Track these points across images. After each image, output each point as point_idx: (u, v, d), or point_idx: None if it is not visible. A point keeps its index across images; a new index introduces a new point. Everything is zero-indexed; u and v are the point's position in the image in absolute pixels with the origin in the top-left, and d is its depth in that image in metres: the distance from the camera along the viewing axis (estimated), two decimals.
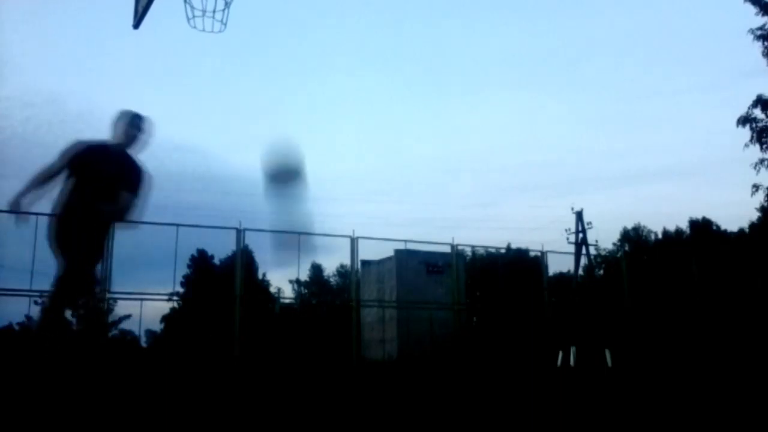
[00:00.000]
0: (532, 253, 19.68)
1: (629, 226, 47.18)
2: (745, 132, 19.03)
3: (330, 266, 43.20)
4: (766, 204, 21.08)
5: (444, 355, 13.54)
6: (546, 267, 15.69)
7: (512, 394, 5.85)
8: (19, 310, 16.38)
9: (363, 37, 72.20)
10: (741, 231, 36.72)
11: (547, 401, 5.01)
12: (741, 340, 15.62)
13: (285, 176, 3.73)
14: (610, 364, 10.99)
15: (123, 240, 11.39)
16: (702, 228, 41.93)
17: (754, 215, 33.22)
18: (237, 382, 8.95)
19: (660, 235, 45.01)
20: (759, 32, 18.75)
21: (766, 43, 18.82)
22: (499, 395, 5.91)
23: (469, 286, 18.39)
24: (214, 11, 4.48)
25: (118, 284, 11.35)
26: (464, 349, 14.17)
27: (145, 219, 11.77)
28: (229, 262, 14.88)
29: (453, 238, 15.09)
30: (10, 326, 15.40)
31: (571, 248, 27.20)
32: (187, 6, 4.50)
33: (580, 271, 26.58)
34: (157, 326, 24.19)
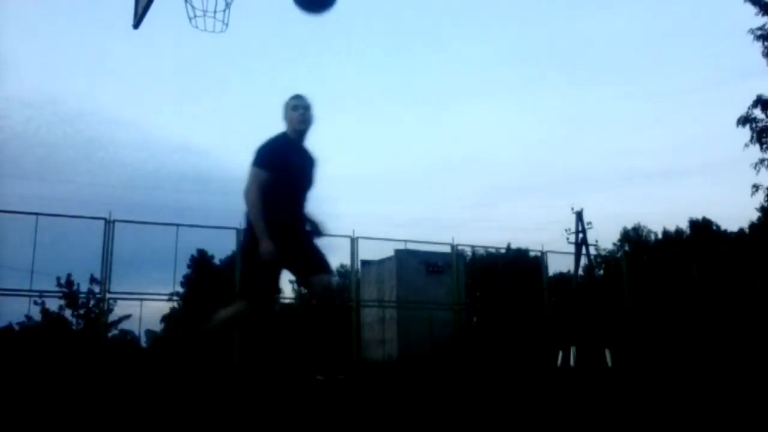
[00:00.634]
0: (532, 253, 19.69)
1: (629, 226, 47.19)
2: (745, 132, 19.06)
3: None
4: (766, 204, 21.10)
5: (444, 356, 13.55)
6: (546, 267, 15.71)
7: (512, 394, 5.86)
8: (19, 310, 16.38)
9: (362, 36, 72.22)
10: (741, 231, 36.73)
11: (547, 401, 5.01)
12: (741, 339, 15.63)
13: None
14: (610, 364, 11.00)
15: (123, 240, 11.44)
16: (702, 228, 41.93)
17: (754, 215, 33.26)
18: (237, 383, 8.96)
19: (660, 235, 45.03)
20: (759, 32, 18.77)
21: (766, 43, 18.84)
22: (499, 395, 5.91)
23: (469, 286, 18.39)
24: (215, 11, 4.48)
25: (118, 284, 11.36)
26: (464, 349, 14.17)
27: (145, 219, 11.79)
28: (229, 262, 14.87)
29: (453, 238, 15.11)
30: (10, 326, 15.38)
31: (571, 248, 27.15)
32: (188, 6, 4.51)
33: (580, 271, 26.57)
34: (157, 326, 24.19)
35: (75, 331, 17.81)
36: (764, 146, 18.88)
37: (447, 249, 15.24)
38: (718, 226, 42.20)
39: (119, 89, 68.33)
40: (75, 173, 56.50)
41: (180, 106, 73.73)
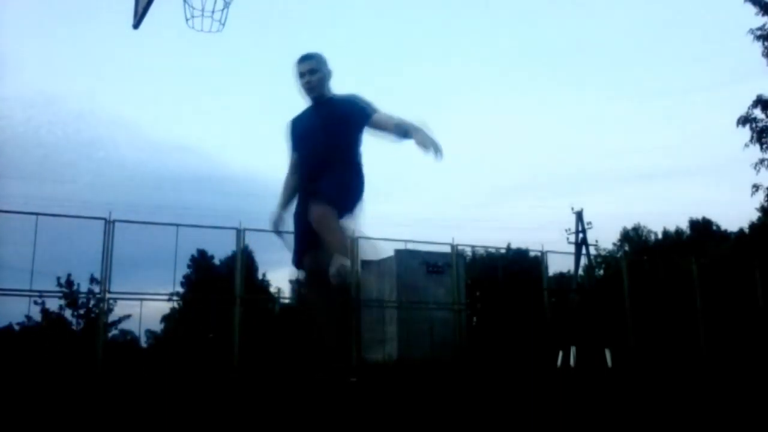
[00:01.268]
0: (532, 253, 19.70)
1: (629, 226, 47.19)
2: (745, 132, 19.07)
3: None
4: (766, 204, 21.10)
5: (444, 356, 13.54)
6: (546, 267, 15.68)
7: (512, 395, 5.85)
8: (19, 310, 16.39)
9: (362, 36, 72.22)
10: (741, 231, 36.72)
11: (547, 401, 5.01)
12: (741, 339, 15.61)
13: None
14: (610, 364, 10.99)
15: (123, 240, 11.44)
16: (702, 228, 41.94)
17: (754, 215, 33.27)
18: (236, 383, 8.95)
19: (660, 235, 45.05)
20: (759, 32, 18.78)
21: (766, 43, 18.84)
22: (499, 395, 5.91)
23: (469, 286, 18.37)
24: (212, 11, 4.48)
25: (118, 284, 11.35)
26: (464, 349, 14.16)
27: (145, 219, 11.78)
28: (229, 262, 14.86)
29: (453, 238, 15.10)
30: (10, 326, 15.38)
31: (571, 248, 27.19)
32: (186, 6, 4.51)
33: (580, 271, 26.57)
34: (157, 326, 24.20)
35: (75, 331, 17.82)
36: (764, 146, 18.88)
37: (447, 249, 15.23)
38: (718, 226, 42.23)
39: (119, 89, 68.41)
40: (75, 173, 56.58)
41: (180, 106, 73.72)
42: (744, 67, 60.77)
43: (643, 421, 3.89)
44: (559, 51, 70.73)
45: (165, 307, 21.85)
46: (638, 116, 71.94)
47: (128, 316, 17.90)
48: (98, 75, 71.08)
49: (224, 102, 71.80)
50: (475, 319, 19.30)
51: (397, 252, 15.85)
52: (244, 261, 12.94)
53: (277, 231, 3.81)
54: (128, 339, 20.43)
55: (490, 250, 19.53)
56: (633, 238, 46.58)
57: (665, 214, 71.42)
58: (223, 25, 4.52)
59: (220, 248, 18.17)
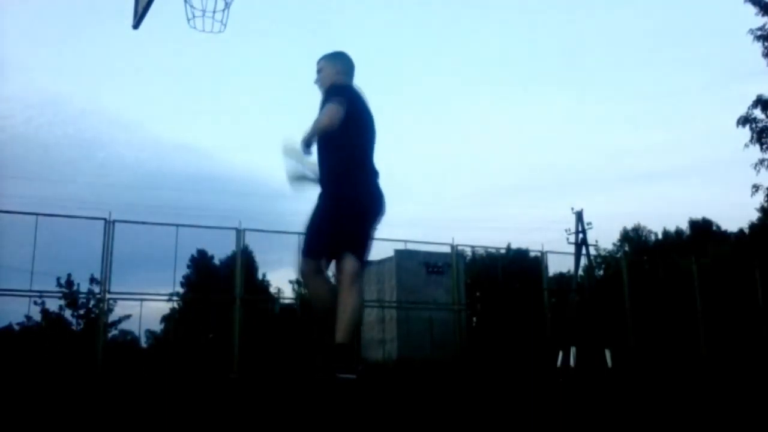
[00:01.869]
0: (532, 253, 19.71)
1: (629, 226, 47.20)
2: (745, 132, 19.08)
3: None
4: (766, 204, 21.12)
5: (444, 356, 13.54)
6: (546, 267, 15.69)
7: (512, 395, 5.85)
8: (19, 310, 16.37)
9: (362, 36, 72.16)
10: (741, 231, 36.75)
11: (547, 401, 5.01)
12: (741, 339, 15.61)
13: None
14: (610, 364, 10.99)
15: (123, 240, 11.45)
16: (702, 228, 41.97)
17: (754, 215, 33.30)
18: (236, 383, 8.95)
19: (660, 235, 45.08)
20: (759, 32, 18.79)
21: (766, 44, 18.85)
22: (499, 395, 5.91)
23: (469, 287, 18.38)
24: (213, 11, 4.48)
25: (118, 284, 11.37)
26: (464, 349, 14.16)
27: (145, 219, 11.78)
28: (229, 262, 14.87)
29: (453, 238, 15.10)
30: (10, 326, 15.38)
31: (571, 248, 27.15)
32: (187, 6, 4.51)
33: (580, 271, 26.56)
34: (157, 326, 24.19)
35: (75, 331, 17.81)
36: (764, 146, 18.89)
37: (447, 249, 15.24)
38: (718, 226, 42.28)
39: (120, 89, 68.44)
40: (75, 173, 56.57)
41: (180, 106, 73.77)
42: (744, 67, 60.87)
43: (643, 421, 3.89)
44: (559, 51, 70.79)
45: (165, 307, 21.82)
46: (638, 116, 72.03)
47: (128, 316, 17.87)
48: (99, 75, 71.18)
49: (224, 102, 71.86)
50: (475, 319, 19.31)
51: (397, 252, 15.87)
52: (244, 261, 12.95)
53: (293, 181, 3.66)
54: (128, 339, 20.42)
55: (490, 250, 19.52)
56: (633, 238, 46.59)
57: (665, 214, 71.48)
58: (225, 25, 4.54)
59: (220, 248, 18.18)
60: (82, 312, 18.80)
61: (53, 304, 16.11)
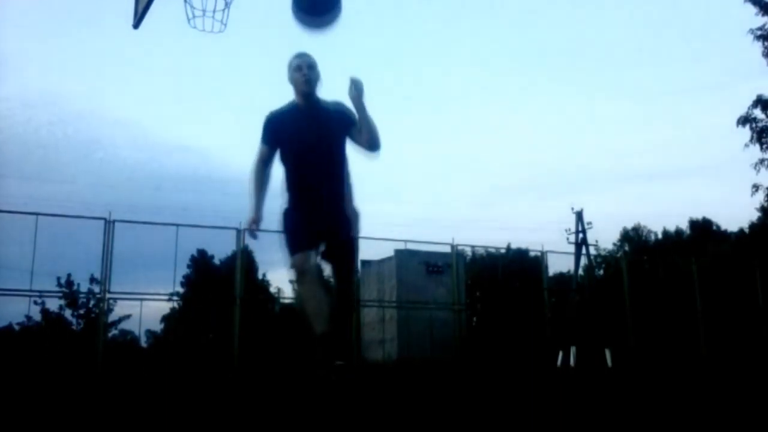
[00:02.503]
0: (532, 253, 19.69)
1: (629, 226, 47.16)
2: (745, 132, 19.08)
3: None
4: (766, 204, 21.12)
5: (444, 356, 13.54)
6: (546, 267, 15.68)
7: (512, 394, 5.85)
8: (19, 310, 16.39)
9: (362, 36, 72.17)
10: (741, 231, 36.75)
11: (547, 401, 5.01)
12: (741, 339, 15.61)
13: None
14: (610, 364, 10.98)
15: (123, 240, 11.45)
16: (702, 228, 41.96)
17: (754, 215, 33.29)
18: (236, 383, 8.95)
19: (660, 235, 45.05)
20: (759, 32, 18.80)
21: (766, 43, 18.86)
22: (499, 395, 5.91)
23: (469, 286, 18.38)
24: (214, 11, 4.48)
25: (118, 284, 11.34)
26: (464, 349, 14.16)
27: (145, 219, 11.78)
28: (229, 262, 14.87)
29: (453, 238, 15.10)
30: (10, 326, 15.39)
31: (571, 248, 27.12)
32: (187, 6, 4.51)
33: (580, 271, 26.56)
34: (157, 326, 24.21)
35: (75, 331, 17.81)
36: (764, 146, 18.90)
37: (447, 249, 15.23)
38: (718, 226, 42.25)
39: (119, 89, 68.38)
40: (75, 173, 56.57)
41: (180, 106, 73.74)
42: (744, 67, 60.77)
43: (643, 421, 3.89)
44: (559, 51, 70.74)
45: (165, 307, 21.86)
46: (638, 116, 71.96)
47: (128, 316, 17.90)
48: (98, 75, 71.02)
49: (224, 102, 71.81)
50: (475, 319, 19.31)
51: (397, 252, 15.86)
52: (244, 261, 12.95)
53: (253, 235, 3.74)
54: (128, 339, 20.43)
55: (490, 250, 19.54)
56: (633, 238, 46.58)
57: (665, 214, 71.36)
58: (225, 25, 4.54)
59: (220, 248, 18.19)
60: (82, 312, 18.81)
61: (53, 304, 16.14)
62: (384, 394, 6.07)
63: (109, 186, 52.77)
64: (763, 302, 16.71)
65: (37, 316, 16.11)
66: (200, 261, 27.96)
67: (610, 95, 72.90)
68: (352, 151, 3.68)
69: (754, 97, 19.06)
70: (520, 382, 7.29)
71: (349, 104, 3.60)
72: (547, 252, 15.75)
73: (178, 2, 4.56)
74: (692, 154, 72.18)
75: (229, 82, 71.13)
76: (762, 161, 18.94)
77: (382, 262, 16.54)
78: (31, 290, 10.77)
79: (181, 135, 71.99)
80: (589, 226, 29.04)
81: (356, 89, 3.51)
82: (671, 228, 44.47)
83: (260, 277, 28.08)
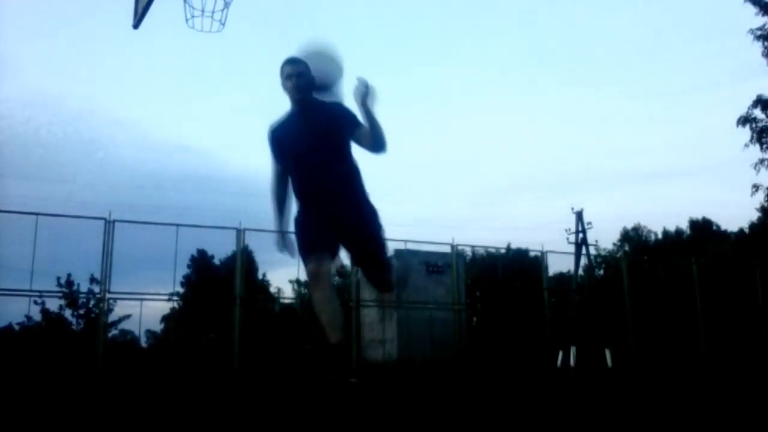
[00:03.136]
0: (532, 253, 19.71)
1: (629, 226, 47.16)
2: (745, 132, 19.08)
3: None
4: (766, 204, 21.12)
5: (444, 356, 13.54)
6: (546, 267, 15.68)
7: (512, 395, 5.85)
8: (19, 310, 16.37)
9: (362, 36, 72.20)
10: (741, 231, 36.74)
11: (547, 401, 5.01)
12: (741, 339, 15.61)
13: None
14: (610, 364, 10.99)
15: (123, 240, 11.45)
16: (702, 228, 41.96)
17: (754, 215, 33.29)
18: (236, 383, 8.95)
19: (660, 235, 45.05)
20: (759, 32, 18.79)
21: (766, 43, 18.85)
22: (499, 395, 5.91)
23: (469, 286, 18.37)
24: (213, 11, 4.48)
25: (118, 284, 11.34)
26: (464, 349, 14.16)
27: (145, 219, 11.79)
28: (229, 262, 14.86)
29: (453, 238, 15.10)
30: (10, 326, 15.38)
31: (571, 248, 27.09)
32: (187, 6, 4.51)
33: (580, 271, 26.55)
34: (157, 326, 24.19)
35: (75, 331, 17.79)
36: (764, 146, 18.90)
37: (447, 249, 15.23)
38: (718, 226, 42.25)
39: (119, 89, 68.43)
40: (75, 173, 56.58)
41: (180, 106, 73.75)
42: (744, 67, 60.86)
43: (643, 421, 3.89)
44: (559, 51, 70.77)
45: (165, 307, 21.81)
46: (638, 116, 71.96)
47: (128, 316, 17.90)
48: (98, 75, 71.10)
49: (224, 102, 71.82)
50: (475, 319, 19.30)
51: (397, 252, 15.87)
52: (244, 261, 12.95)
53: (283, 249, 3.78)
54: (128, 339, 20.42)
55: (490, 250, 19.53)
56: (633, 238, 46.56)
57: (665, 214, 71.43)
58: (223, 24, 4.53)
59: (220, 248, 18.20)
60: (82, 312, 18.80)
61: (53, 304, 16.11)
62: (384, 394, 6.07)
63: (109, 186, 52.85)
64: (763, 302, 16.71)
65: (37, 316, 16.09)
66: (200, 261, 27.95)
67: (610, 95, 72.94)
68: (357, 149, 3.65)
69: (754, 97, 19.07)
70: (520, 382, 7.29)
71: (353, 105, 3.58)
72: (547, 252, 15.76)
73: (177, 2, 4.56)
74: (692, 154, 72.23)
75: (229, 82, 71.17)
76: (762, 161, 18.96)
77: None
78: (31, 290, 10.76)
79: (181, 135, 72.08)
80: (589, 226, 29.03)
81: (362, 91, 3.47)
82: (671, 228, 44.49)
83: (260, 277, 28.10)
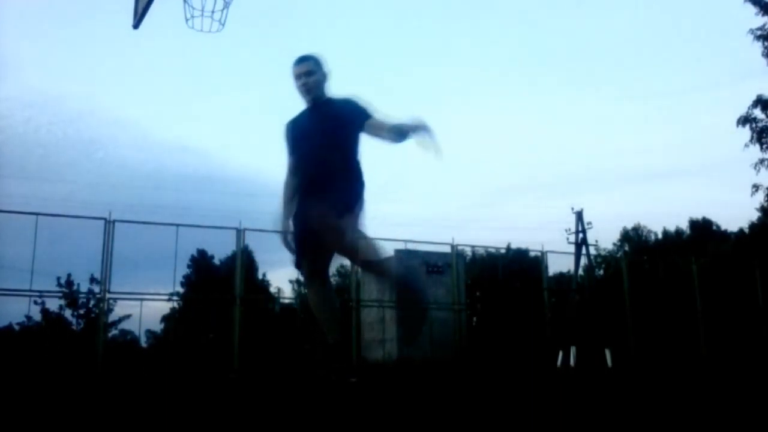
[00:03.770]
0: (532, 253, 19.72)
1: (629, 226, 47.18)
2: (745, 132, 19.07)
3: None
4: (766, 204, 21.11)
5: (444, 356, 13.54)
6: (546, 267, 15.69)
7: (512, 395, 5.85)
8: (19, 310, 16.38)
9: (362, 36, 72.27)
10: (741, 231, 36.75)
11: (547, 401, 5.01)
12: (741, 339, 15.61)
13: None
14: (610, 364, 10.99)
15: (123, 240, 11.45)
16: (702, 228, 41.98)
17: (754, 215, 33.30)
18: (236, 383, 8.95)
19: (660, 235, 45.07)
20: (759, 32, 18.79)
21: (766, 43, 18.85)
22: (499, 395, 5.91)
23: (469, 286, 18.38)
24: (212, 11, 4.48)
25: (118, 284, 11.36)
26: (464, 349, 14.17)
27: (145, 219, 11.80)
28: (229, 262, 14.88)
29: (453, 238, 15.11)
30: (10, 326, 15.39)
31: (571, 248, 27.08)
32: (186, 6, 4.51)
33: (580, 271, 26.57)
34: (157, 326, 24.21)
35: (75, 331, 17.80)
36: (764, 146, 18.89)
37: (447, 249, 15.24)
38: (718, 226, 42.28)
39: (119, 89, 68.45)
40: (75, 173, 56.58)
41: (180, 106, 73.73)
42: (744, 67, 60.79)
43: (643, 421, 3.89)
44: (559, 51, 70.74)
45: (165, 307, 21.82)
46: (638, 116, 71.96)
47: (128, 316, 17.91)
48: (98, 75, 71.07)
49: (224, 102, 71.81)
50: (475, 319, 19.31)
51: (397, 252, 15.87)
52: (244, 261, 12.95)
53: (287, 243, 3.65)
54: (128, 339, 20.43)
55: (490, 250, 19.54)
56: (633, 238, 46.58)
57: (665, 214, 71.38)
58: (223, 24, 4.53)
59: (220, 248, 18.22)
60: (82, 312, 18.80)
61: (53, 304, 16.12)
62: (384, 394, 6.07)
63: (109, 186, 52.84)
64: (763, 302, 16.71)
65: (37, 316, 16.10)
66: (200, 261, 27.98)
67: (610, 95, 72.96)
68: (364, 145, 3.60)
69: (754, 97, 19.07)
70: (520, 382, 7.29)
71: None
72: (547, 252, 15.77)
73: (177, 2, 4.56)
74: (692, 154, 72.25)
75: (229, 82, 71.18)
76: (762, 161, 18.94)
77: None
78: (31, 290, 10.78)
79: (181, 135, 72.05)
80: (589, 226, 29.01)
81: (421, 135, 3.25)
82: (671, 228, 44.52)
83: (260, 277, 28.14)
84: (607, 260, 33.81)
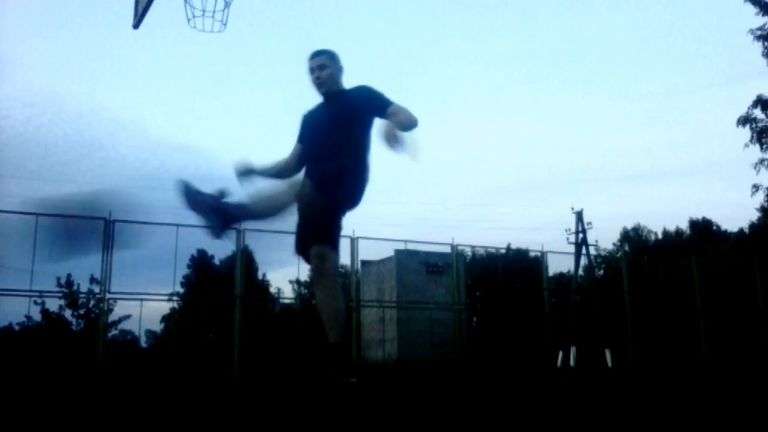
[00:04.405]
0: (532, 253, 19.70)
1: (629, 226, 47.13)
2: (745, 132, 19.05)
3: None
4: (766, 204, 21.09)
5: (444, 356, 13.54)
6: (546, 267, 15.68)
7: (512, 394, 5.85)
8: (19, 310, 16.41)
9: (362, 35, 72.22)
10: (741, 231, 36.75)
11: (547, 401, 5.01)
12: (741, 340, 15.61)
13: None
14: (610, 364, 10.99)
15: (123, 240, 11.45)
16: (702, 228, 41.97)
17: (754, 215, 33.29)
18: (236, 383, 8.95)
19: (660, 235, 45.04)
20: (759, 32, 18.77)
21: (766, 43, 18.83)
22: (499, 395, 5.91)
23: (469, 287, 18.40)
24: (213, 11, 4.48)
25: (118, 284, 11.34)
26: (464, 349, 14.16)
27: (145, 219, 11.80)
28: (229, 262, 14.88)
29: (453, 238, 15.09)
30: (10, 326, 15.39)
31: (571, 248, 27.09)
32: (187, 6, 4.51)
33: (580, 271, 26.58)
34: (157, 326, 24.23)
35: (75, 331, 17.81)
36: (764, 146, 18.87)
37: (447, 249, 15.23)
38: (718, 226, 42.26)
39: (119, 89, 68.37)
40: (75, 173, 56.49)
41: (180, 106, 73.70)
42: (744, 67, 60.78)
43: (643, 421, 3.89)
44: (559, 51, 70.71)
45: (165, 307, 21.87)
46: (638, 116, 71.96)
47: (128, 316, 17.92)
48: (98, 75, 70.99)
49: (224, 102, 71.77)
50: (475, 319, 19.31)
51: (397, 252, 15.87)
52: (244, 261, 12.94)
53: (239, 176, 3.73)
54: (128, 339, 20.43)
55: (490, 250, 19.53)
56: (633, 238, 46.56)
57: (665, 214, 71.35)
58: (225, 25, 4.53)
59: (220, 248, 18.25)
60: (82, 312, 18.82)
61: (53, 304, 16.14)
62: (384, 394, 6.07)
63: (109, 186, 52.76)
64: (763, 303, 16.71)
65: (37, 316, 16.12)
66: (200, 261, 27.98)
67: (610, 95, 72.91)
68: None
69: (754, 97, 19.06)
70: (520, 382, 7.29)
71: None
72: (547, 252, 15.75)
73: (178, 2, 4.56)
74: (692, 154, 72.15)
75: (229, 82, 71.12)
76: (762, 161, 18.92)
77: (382, 262, 16.54)
78: (31, 290, 10.77)
79: (181, 135, 71.98)
80: (589, 226, 29.00)
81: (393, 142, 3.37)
82: (671, 228, 44.49)
83: (260, 277, 28.11)
84: (607, 260, 33.79)
